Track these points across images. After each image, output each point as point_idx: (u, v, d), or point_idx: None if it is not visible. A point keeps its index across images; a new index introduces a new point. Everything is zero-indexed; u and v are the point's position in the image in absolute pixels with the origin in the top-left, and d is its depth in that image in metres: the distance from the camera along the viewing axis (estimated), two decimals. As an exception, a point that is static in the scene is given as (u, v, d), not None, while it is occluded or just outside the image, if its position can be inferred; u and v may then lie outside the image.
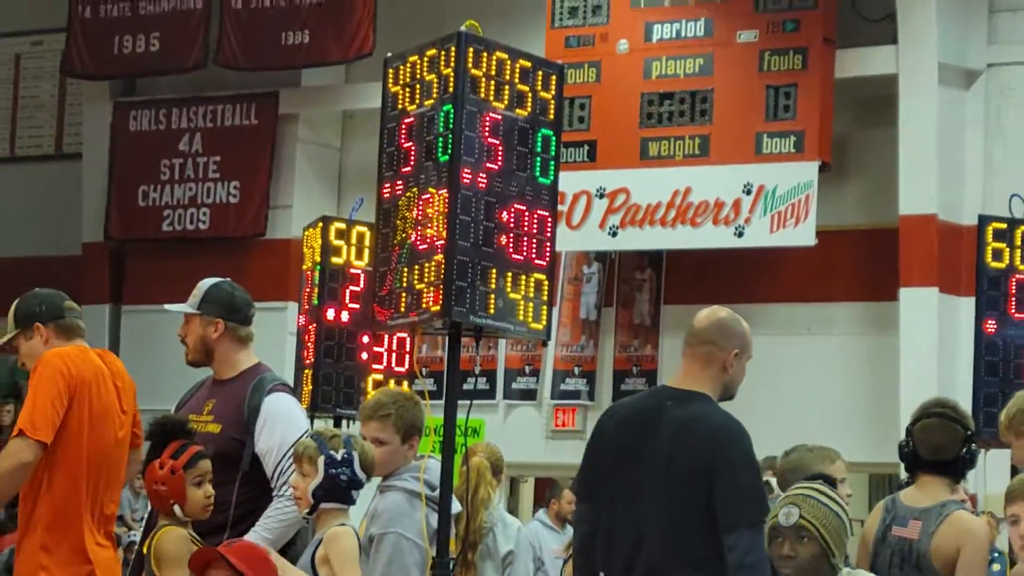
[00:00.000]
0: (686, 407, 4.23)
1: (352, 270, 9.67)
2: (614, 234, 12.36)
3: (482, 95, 4.76)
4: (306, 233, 10.17)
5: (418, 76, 4.85)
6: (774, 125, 11.84)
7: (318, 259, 9.69)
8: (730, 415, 4.15)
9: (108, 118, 15.08)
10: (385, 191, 4.99)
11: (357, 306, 9.39)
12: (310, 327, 9.60)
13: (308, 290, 9.83)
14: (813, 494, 3.75)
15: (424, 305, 4.70)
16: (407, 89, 4.92)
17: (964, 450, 4.72)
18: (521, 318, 4.80)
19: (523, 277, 4.82)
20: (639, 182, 12.21)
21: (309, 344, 9.66)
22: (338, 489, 4.51)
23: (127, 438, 4.89)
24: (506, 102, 4.83)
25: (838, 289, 12.14)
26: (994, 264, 8.92)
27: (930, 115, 11.66)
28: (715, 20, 12.25)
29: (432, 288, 4.67)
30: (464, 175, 4.62)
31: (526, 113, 4.85)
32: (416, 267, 4.73)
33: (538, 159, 4.89)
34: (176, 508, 4.48)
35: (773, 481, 5.51)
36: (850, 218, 12.16)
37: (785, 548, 3.47)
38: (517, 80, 4.91)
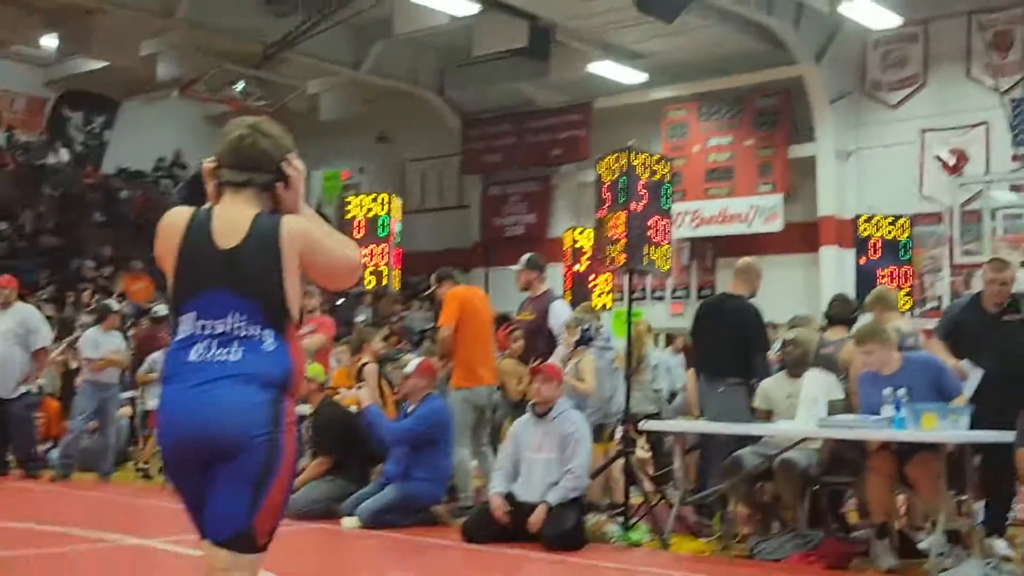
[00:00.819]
0: (736, 302, 6.12)
1: (586, 249, 11.36)
2: (695, 228, 14.97)
3: (638, 172, 6.21)
4: (563, 235, 12.54)
5: (611, 165, 6.46)
6: (763, 180, 14.49)
7: (570, 245, 11.83)
8: (755, 304, 6.10)
9: (480, 189, 17.98)
10: (599, 214, 6.51)
11: (589, 263, 11.04)
12: (567, 275, 11.68)
13: (567, 259, 11.89)
14: (801, 330, 5.97)
15: (618, 261, 6.21)
16: (607, 170, 6.48)
17: (853, 314, 6.20)
18: (658, 265, 6.36)
19: (658, 247, 6.35)
20: (705, 207, 14.84)
21: (567, 285, 11.44)
22: (586, 340, 6.50)
23: (491, 323, 6.53)
24: (647, 175, 6.30)
25: (793, 248, 14.13)
26: (864, 233, 11.07)
27: (832, 173, 13.99)
28: (734, 136, 14.87)
29: (622, 254, 6.13)
30: (632, 207, 6.13)
31: (656, 179, 6.39)
32: (614, 246, 6.21)
33: (662, 198, 6.45)
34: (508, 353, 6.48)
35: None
36: (798, 217, 14.22)
37: (788, 349, 5.55)
38: (652, 164, 6.38)
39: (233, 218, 1.85)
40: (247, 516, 1.73)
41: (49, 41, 15.23)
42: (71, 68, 16.86)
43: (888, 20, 12.59)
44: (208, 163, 1.96)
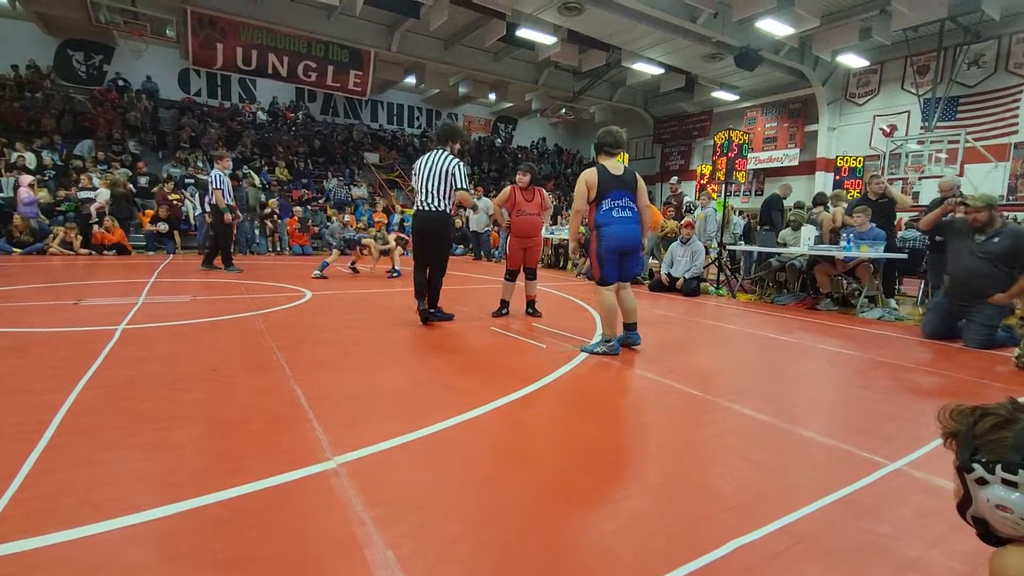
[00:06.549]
0: (775, 196, 5.77)
1: (705, 174, 11.96)
2: (757, 164, 14.17)
3: (733, 139, 6.82)
4: (697, 167, 13.80)
5: (721, 137, 6.99)
6: (790, 142, 14.11)
7: (699, 172, 12.52)
8: (780, 196, 5.95)
9: (660, 149, 17.26)
10: (714, 158, 7.65)
11: (706, 179, 11.54)
12: (696, 184, 12.03)
13: (698, 178, 12.50)
14: (799, 210, 4.98)
15: (721, 177, 7.18)
16: (719, 139, 7.31)
17: (825, 202, 5.48)
18: (739, 179, 8.72)
19: (740, 171, 8.43)
20: (762, 155, 14.25)
21: (696, 188, 12.28)
22: (694, 208, 6.19)
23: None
24: (737, 140, 8.48)
25: (802, 172, 13.79)
26: (838, 164, 11.92)
27: (825, 137, 13.40)
28: (778, 122, 14.12)
29: (723, 173, 7.10)
30: (729, 154, 6.64)
31: (740, 143, 8.45)
32: (720, 171, 7.04)
33: (743, 150, 8.77)
34: None
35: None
36: (805, 159, 13.82)
37: (793, 216, 4.78)
38: (739, 137, 8.24)
39: (616, 165, 2.17)
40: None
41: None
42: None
43: (861, 63, 12.11)
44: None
